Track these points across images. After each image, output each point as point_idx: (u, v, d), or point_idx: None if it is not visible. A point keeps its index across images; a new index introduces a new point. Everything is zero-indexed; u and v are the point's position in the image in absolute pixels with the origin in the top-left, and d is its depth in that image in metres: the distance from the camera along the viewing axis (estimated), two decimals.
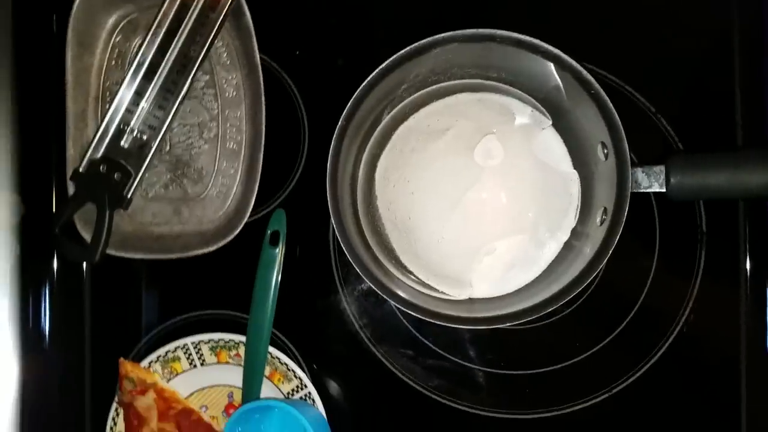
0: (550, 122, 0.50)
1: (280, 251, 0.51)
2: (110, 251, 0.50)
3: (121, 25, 0.53)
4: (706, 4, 0.53)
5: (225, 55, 0.53)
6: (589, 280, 0.43)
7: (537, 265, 0.49)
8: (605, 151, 0.45)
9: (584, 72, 0.43)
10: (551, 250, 0.49)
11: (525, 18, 0.53)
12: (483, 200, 0.50)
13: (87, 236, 0.51)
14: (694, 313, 0.50)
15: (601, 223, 0.45)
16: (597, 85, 0.43)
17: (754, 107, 0.51)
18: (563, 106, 0.48)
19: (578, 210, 0.49)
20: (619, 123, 0.43)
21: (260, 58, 0.51)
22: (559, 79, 0.45)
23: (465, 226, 0.50)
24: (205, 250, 0.50)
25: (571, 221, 0.49)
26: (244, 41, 0.52)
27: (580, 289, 0.43)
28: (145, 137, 0.50)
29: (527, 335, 0.52)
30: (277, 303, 0.51)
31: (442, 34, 0.44)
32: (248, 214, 0.50)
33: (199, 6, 0.50)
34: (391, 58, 0.44)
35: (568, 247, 0.48)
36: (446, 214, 0.50)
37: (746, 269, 0.50)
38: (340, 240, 0.44)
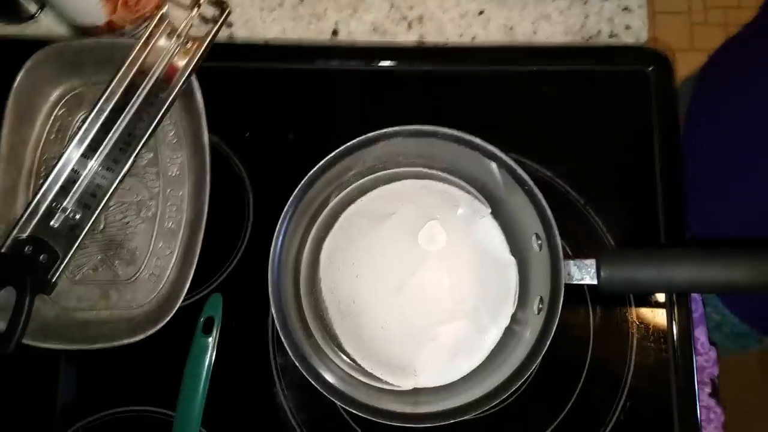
0: (489, 211, 0.52)
1: (213, 340, 0.49)
2: (27, 341, 0.46)
3: (65, 99, 0.52)
4: (630, 110, 0.58)
5: (172, 134, 0.53)
6: (532, 368, 0.43)
7: (480, 351, 0.49)
8: (539, 242, 0.47)
9: (519, 170, 0.46)
10: (493, 335, 0.50)
11: (467, 115, 0.57)
12: (426, 284, 0.50)
13: (1, 322, 0.46)
14: (630, 400, 0.52)
15: (539, 311, 0.46)
16: (531, 182, 0.46)
17: (673, 205, 0.56)
18: (501, 197, 0.50)
19: (516, 296, 0.51)
20: (551, 218, 0.45)
21: (209, 138, 0.51)
22: (496, 173, 0.48)
23: (409, 311, 0.50)
24: (132, 340, 0.47)
25: (510, 307, 0.50)
26: (192, 121, 0.52)
27: (524, 377, 0.43)
28: (78, 216, 0.48)
29: (471, 428, 0.51)
30: (208, 397, 0.48)
31: (390, 129, 0.46)
32: (182, 298, 0.48)
33: (150, 85, 0.50)
34: (342, 147, 0.46)
35: (509, 333, 0.49)
36: (391, 297, 0.50)
37: (675, 358, 0.52)
38: (278, 327, 0.43)
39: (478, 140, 0.47)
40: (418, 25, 0.59)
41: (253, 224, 0.53)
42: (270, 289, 0.44)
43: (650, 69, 0.58)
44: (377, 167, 0.52)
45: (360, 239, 0.51)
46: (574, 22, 0.60)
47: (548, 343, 0.43)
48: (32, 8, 0.55)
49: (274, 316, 0.43)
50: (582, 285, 0.46)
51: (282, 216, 0.45)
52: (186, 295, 0.48)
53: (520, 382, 0.43)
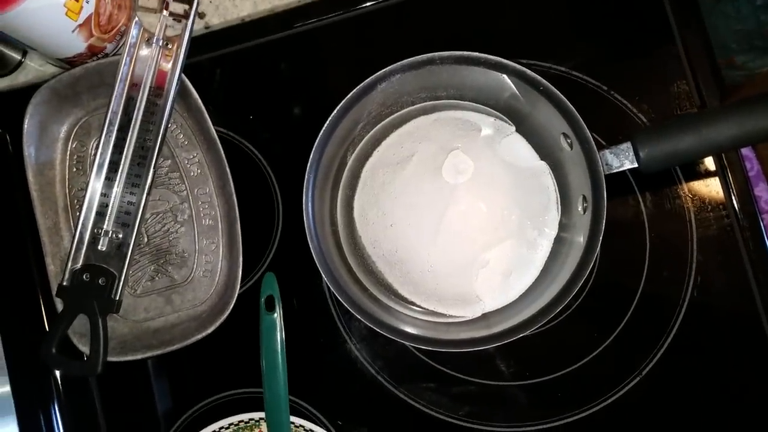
0: (513, 128, 0.51)
1: (278, 315, 0.50)
2: (111, 358, 0.49)
3: (74, 131, 0.53)
4: None
5: (182, 136, 0.53)
6: (590, 266, 0.42)
7: (534, 265, 0.49)
8: (569, 140, 0.45)
9: (528, 72, 0.44)
10: (544, 247, 0.49)
11: (462, 35, 0.54)
12: (463, 216, 0.49)
13: (84, 348, 0.50)
14: (701, 275, 0.50)
15: (584, 211, 0.45)
16: (544, 82, 0.44)
17: (701, 64, 0.52)
18: (522, 110, 0.48)
19: (558, 202, 0.49)
20: (574, 111, 0.43)
21: (216, 130, 0.51)
22: (509, 84, 0.46)
23: (452, 246, 0.49)
24: (204, 333, 0.49)
25: (554, 215, 0.49)
26: (196, 119, 0.52)
27: (584, 276, 0.42)
28: (120, 236, 0.50)
29: (543, 339, 0.51)
30: (288, 368, 0.50)
31: (384, 70, 0.45)
32: (239, 285, 0.49)
33: (145, 97, 0.50)
34: (342, 102, 0.45)
35: (560, 241, 0.48)
36: (430, 238, 0.50)
37: (739, 223, 0.50)
38: (334, 290, 0.44)
39: (478, 54, 0.45)
40: None
41: (282, 200, 0.54)
42: (314, 255, 0.44)
43: None
44: (384, 113, 0.50)
45: (386, 189, 0.51)
46: None
47: (600, 237, 0.42)
48: (17, 56, 0.56)
49: (326, 279, 0.44)
50: (625, 173, 0.44)
51: (305, 183, 0.45)
52: (241, 281, 0.50)
53: (581, 282, 0.42)
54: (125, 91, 0.50)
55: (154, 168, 0.50)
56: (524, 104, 0.47)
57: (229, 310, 0.49)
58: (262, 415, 0.50)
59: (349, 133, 0.49)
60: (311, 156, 0.45)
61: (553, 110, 0.45)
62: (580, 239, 0.45)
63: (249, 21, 0.56)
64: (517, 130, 0.51)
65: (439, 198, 0.50)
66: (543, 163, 0.50)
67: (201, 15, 0.56)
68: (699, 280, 0.50)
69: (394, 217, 0.50)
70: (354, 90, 0.45)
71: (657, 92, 0.53)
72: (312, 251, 0.44)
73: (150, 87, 0.50)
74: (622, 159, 0.44)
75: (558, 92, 0.44)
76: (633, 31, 0.54)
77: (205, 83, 0.54)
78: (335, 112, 0.45)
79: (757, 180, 0.60)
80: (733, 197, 0.50)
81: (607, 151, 0.44)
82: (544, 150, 0.50)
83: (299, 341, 0.52)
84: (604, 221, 0.42)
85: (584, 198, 0.45)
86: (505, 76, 0.45)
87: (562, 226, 0.48)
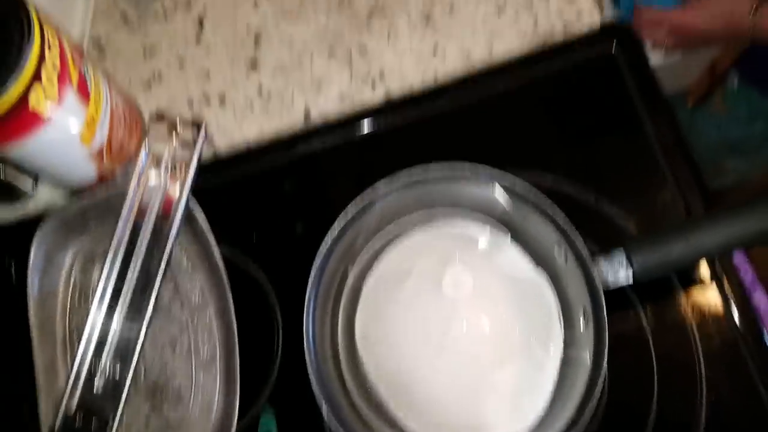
0: (509, 237, 0.52)
1: None
2: None
3: (78, 260, 0.54)
4: (610, 91, 0.57)
5: (185, 260, 0.54)
6: (600, 386, 0.41)
7: (544, 388, 0.47)
8: (563, 250, 0.46)
9: (518, 183, 0.46)
10: (552, 367, 0.48)
11: (454, 149, 0.56)
12: (466, 334, 0.49)
13: None
14: (713, 394, 0.48)
15: (586, 324, 0.45)
16: (535, 191, 0.45)
17: (682, 170, 0.54)
18: (517, 220, 0.50)
19: (560, 315, 0.49)
20: (566, 221, 0.44)
21: (221, 251, 0.52)
22: (500, 195, 0.47)
23: (458, 367, 0.48)
24: None
25: (558, 330, 0.49)
26: (201, 243, 0.53)
27: (596, 396, 0.41)
28: (117, 373, 0.48)
29: None
30: None
31: (379, 187, 0.46)
32: (234, 424, 0.47)
33: (151, 223, 0.51)
34: (339, 219, 0.46)
35: (566, 360, 0.47)
36: (434, 359, 0.49)
37: (742, 334, 0.50)
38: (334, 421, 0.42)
39: (468, 167, 0.47)
40: (381, 82, 0.60)
41: (283, 324, 0.53)
42: (315, 384, 0.43)
43: (614, 46, 0.58)
44: (382, 226, 0.52)
45: (387, 307, 0.51)
46: (525, 29, 0.60)
47: (606, 352, 0.42)
48: (27, 186, 0.58)
49: (325, 414, 0.42)
50: (619, 286, 0.44)
51: (306, 301, 0.45)
52: (239, 415, 0.48)
53: (594, 402, 0.42)
54: (132, 218, 0.51)
55: (156, 295, 0.50)
56: (518, 216, 0.49)
57: None
58: None
59: (349, 248, 0.49)
60: (312, 272, 0.45)
61: (544, 221, 0.46)
62: (586, 356, 0.44)
63: (254, 147, 0.58)
64: (513, 240, 0.51)
65: (441, 315, 0.50)
66: (541, 273, 0.50)
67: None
68: (712, 399, 0.48)
69: (397, 336, 0.50)
70: (350, 206, 0.46)
71: (644, 200, 0.54)
72: (311, 377, 0.43)
73: (157, 213, 0.52)
74: (616, 267, 0.44)
75: (547, 201, 0.45)
76: (616, 142, 0.57)
77: (211, 206, 0.56)
78: (334, 227, 0.46)
79: (754, 286, 0.60)
80: (733, 307, 0.50)
81: (601, 259, 0.45)
82: (541, 260, 0.50)
83: None
84: (607, 336, 0.42)
85: (584, 310, 0.45)
86: (497, 189, 0.47)
87: (567, 343, 0.48)
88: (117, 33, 0.62)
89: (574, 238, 0.45)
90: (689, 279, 0.51)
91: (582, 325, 0.46)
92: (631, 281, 0.44)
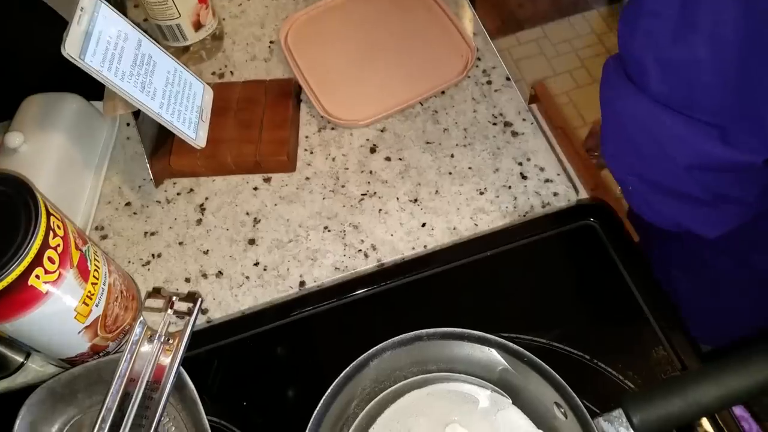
0: (509, 401, 0.51)
1: None
2: None
3: (65, 430, 0.52)
4: (593, 257, 0.61)
5: (173, 429, 0.52)
6: None
7: None
8: (562, 410, 0.46)
9: (511, 344, 0.47)
10: None
11: (446, 314, 0.59)
12: None
13: None
14: None
15: None
16: (527, 353, 0.47)
17: (672, 328, 0.56)
18: (515, 382, 0.50)
19: None
20: (561, 381, 0.45)
21: (209, 420, 0.50)
22: (498, 358, 0.49)
23: None
24: None
25: None
26: (190, 411, 0.52)
27: None
28: None
29: None
30: None
31: (374, 348, 0.47)
32: None
33: (141, 391, 0.51)
34: (335, 381, 0.46)
35: None
36: None
37: None
38: None
39: (462, 330, 0.48)
40: (374, 253, 0.64)
41: None
42: None
43: (592, 220, 0.64)
44: (377, 389, 0.51)
45: None
46: (506, 207, 0.67)
47: None
48: (19, 358, 0.58)
49: None
50: None
51: None
52: None
53: None
54: (122, 387, 0.51)
55: None
56: (516, 376, 0.49)
57: None
58: None
59: (342, 412, 0.48)
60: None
61: (542, 381, 0.46)
62: None
63: (248, 314, 0.60)
64: (513, 403, 0.51)
65: None
66: None
67: (204, 311, 0.60)
68: None
69: None
70: (346, 369, 0.46)
71: (639, 359, 0.55)
72: None
73: (147, 381, 0.52)
74: (617, 426, 0.44)
75: (542, 363, 0.46)
76: (607, 304, 0.59)
77: (202, 373, 0.56)
78: (329, 391, 0.46)
79: None
80: None
81: (600, 419, 0.45)
82: (541, 420, 0.49)
83: None
84: None
85: None
86: (492, 350, 0.48)
87: None
88: (120, 218, 0.68)
89: (570, 394, 0.45)
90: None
91: None
92: None
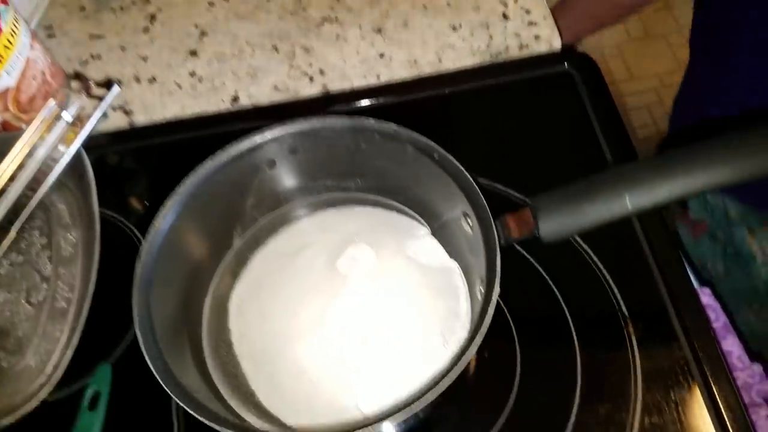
0: (428, 230, 0.46)
1: (100, 416, 0.39)
2: None
3: None
4: (562, 103, 0.54)
5: (67, 215, 0.49)
6: (472, 352, 0.32)
7: (426, 376, 0.38)
8: (470, 222, 0.39)
9: (422, 138, 0.40)
10: (443, 360, 0.39)
11: None
12: (351, 312, 0.41)
13: None
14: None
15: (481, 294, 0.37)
16: (440, 149, 0.40)
17: None
18: (437, 211, 0.44)
19: (469, 310, 0.41)
20: (468, 176, 0.38)
21: (108, 215, 0.48)
22: (410, 155, 0.42)
23: (333, 348, 0.40)
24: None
25: (463, 322, 0.41)
26: (85, 198, 0.48)
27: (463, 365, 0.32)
28: None
29: None
30: None
31: (272, 129, 0.42)
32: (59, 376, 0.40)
33: (38, 162, 0.48)
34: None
35: None
36: (307, 336, 0.41)
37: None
38: (155, 370, 0.33)
39: (370, 120, 0.41)
40: (320, 77, 0.58)
41: None
42: (143, 346, 0.34)
43: (569, 67, 0.56)
44: (282, 199, 0.46)
45: (272, 278, 0.44)
46: (479, 45, 0.59)
47: (489, 316, 0.33)
48: None
49: (150, 365, 0.34)
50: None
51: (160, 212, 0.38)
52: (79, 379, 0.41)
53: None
54: (19, 157, 0.48)
55: (19, 229, 0.46)
56: (426, 186, 0.43)
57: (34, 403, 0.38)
58: None
59: (233, 204, 0.44)
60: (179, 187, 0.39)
61: (453, 185, 0.40)
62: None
63: (172, 121, 0.56)
64: (433, 234, 0.45)
65: (326, 290, 0.42)
66: (454, 261, 0.44)
67: (128, 112, 0.56)
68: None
69: (272, 306, 0.42)
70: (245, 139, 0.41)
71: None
72: (140, 337, 0.34)
73: (46, 156, 0.48)
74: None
75: (453, 159, 0.39)
76: (575, 157, 0.52)
77: (112, 171, 0.53)
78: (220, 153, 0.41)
79: (726, 333, 0.51)
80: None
81: (508, 216, 0.38)
82: (456, 254, 0.44)
83: None
84: (494, 300, 0.34)
85: (481, 280, 0.37)
86: (409, 148, 0.41)
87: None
88: (70, 20, 0.64)
89: (477, 194, 0.38)
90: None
91: (478, 295, 0.38)
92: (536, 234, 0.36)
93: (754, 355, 0.51)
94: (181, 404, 0.32)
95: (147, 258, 0.37)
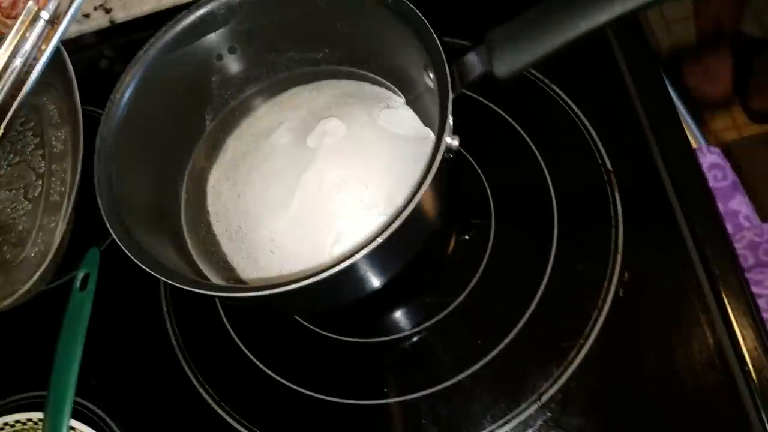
0: (403, 100, 0.44)
1: (89, 294, 0.42)
2: None
3: None
4: None
5: (56, 113, 0.51)
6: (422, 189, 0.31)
7: None
8: (430, 73, 0.37)
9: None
10: None
11: None
12: (321, 183, 0.41)
13: None
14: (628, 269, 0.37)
15: None
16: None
17: None
18: (410, 77, 0.42)
19: None
20: (420, 18, 0.35)
21: (95, 111, 0.48)
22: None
23: (304, 219, 0.40)
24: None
25: None
26: (69, 95, 0.49)
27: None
28: None
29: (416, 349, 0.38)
30: (89, 367, 0.40)
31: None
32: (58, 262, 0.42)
33: (22, 62, 0.48)
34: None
35: None
36: (280, 210, 0.41)
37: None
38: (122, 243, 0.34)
39: None
40: None
41: None
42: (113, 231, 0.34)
43: None
44: (250, 77, 0.46)
45: (245, 158, 0.44)
46: None
47: (438, 162, 0.32)
48: None
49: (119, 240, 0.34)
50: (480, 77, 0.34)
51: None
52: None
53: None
54: (1, 58, 0.49)
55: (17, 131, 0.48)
56: (398, 54, 0.41)
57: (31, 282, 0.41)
58: (41, 416, 0.39)
59: (199, 84, 0.43)
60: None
61: (411, 38, 0.37)
62: None
63: (151, 14, 0.55)
64: (408, 104, 0.44)
65: (296, 164, 0.42)
66: (428, 129, 0.42)
67: (107, 9, 0.56)
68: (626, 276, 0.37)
69: (245, 186, 0.43)
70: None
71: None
72: (109, 225, 0.34)
73: (30, 57, 0.49)
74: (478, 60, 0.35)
75: (413, 8, 0.36)
76: None
77: (99, 71, 0.53)
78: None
79: (734, 192, 0.47)
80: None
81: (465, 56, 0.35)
82: (432, 123, 0.42)
83: (109, 335, 0.42)
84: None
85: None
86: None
87: None
88: None
89: (433, 43, 0.35)
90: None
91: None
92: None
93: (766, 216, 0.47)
94: (143, 266, 0.33)
95: (105, 130, 0.37)
